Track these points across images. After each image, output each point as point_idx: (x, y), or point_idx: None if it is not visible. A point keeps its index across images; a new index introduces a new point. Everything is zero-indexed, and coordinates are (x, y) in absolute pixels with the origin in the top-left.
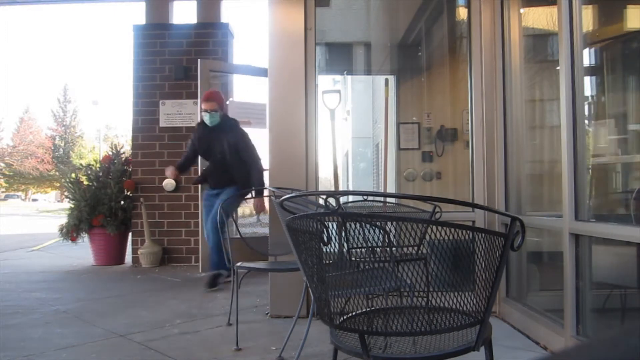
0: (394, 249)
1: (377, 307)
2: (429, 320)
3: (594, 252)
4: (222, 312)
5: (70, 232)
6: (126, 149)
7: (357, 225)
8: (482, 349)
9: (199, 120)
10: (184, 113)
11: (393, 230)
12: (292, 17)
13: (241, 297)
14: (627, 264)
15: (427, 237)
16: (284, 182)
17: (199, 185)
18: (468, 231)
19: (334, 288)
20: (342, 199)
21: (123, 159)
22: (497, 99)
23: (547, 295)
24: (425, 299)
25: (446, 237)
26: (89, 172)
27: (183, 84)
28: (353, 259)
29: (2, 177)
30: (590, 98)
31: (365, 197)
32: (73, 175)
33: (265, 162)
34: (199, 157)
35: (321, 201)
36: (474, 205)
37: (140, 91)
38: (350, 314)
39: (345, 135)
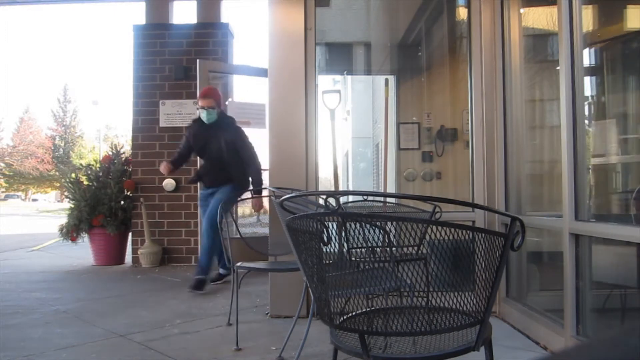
0: (394, 249)
1: (377, 307)
2: (429, 320)
3: (594, 252)
4: (222, 312)
5: (70, 232)
6: (126, 149)
7: (357, 225)
8: (482, 349)
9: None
10: (184, 113)
11: (393, 230)
12: (292, 17)
13: (241, 297)
14: (627, 264)
15: (427, 237)
16: (284, 182)
17: (198, 185)
18: (468, 231)
19: (334, 288)
20: (342, 199)
21: (123, 159)
22: (497, 99)
23: (547, 295)
24: (425, 299)
25: (446, 237)
26: (89, 172)
27: (183, 84)
28: (353, 259)
29: (2, 177)
30: (590, 98)
31: (365, 197)
32: (73, 175)
33: (264, 162)
34: (192, 155)
35: (321, 201)
36: (474, 205)
37: (140, 91)
38: (350, 314)
39: (345, 135)
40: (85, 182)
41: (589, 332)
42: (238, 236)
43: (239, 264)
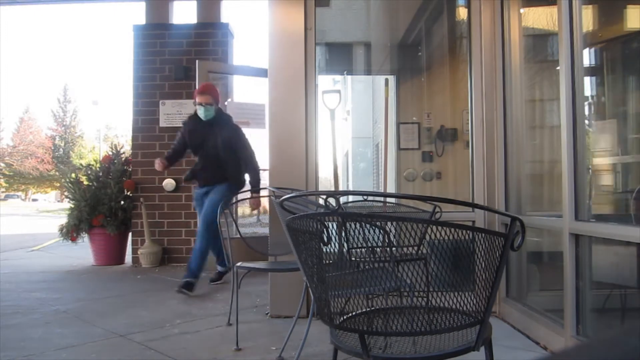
0: (394, 249)
1: (377, 307)
2: (429, 320)
3: (594, 252)
4: (222, 312)
5: (70, 232)
6: (126, 149)
7: (357, 225)
8: (482, 349)
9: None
10: (184, 113)
11: (393, 230)
12: (292, 17)
13: (241, 297)
14: (627, 264)
15: (427, 237)
16: (284, 182)
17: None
18: (468, 231)
19: (334, 288)
20: (342, 199)
21: (123, 159)
22: (497, 99)
23: (547, 295)
24: (425, 299)
25: (446, 237)
26: (89, 172)
27: (183, 84)
28: (353, 259)
29: (2, 177)
30: (590, 98)
31: (365, 197)
32: (73, 175)
33: (264, 162)
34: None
35: (321, 201)
36: (474, 205)
37: (140, 91)
38: (350, 314)
39: (345, 135)
40: (85, 182)
41: (589, 332)
42: (238, 236)
43: (239, 264)
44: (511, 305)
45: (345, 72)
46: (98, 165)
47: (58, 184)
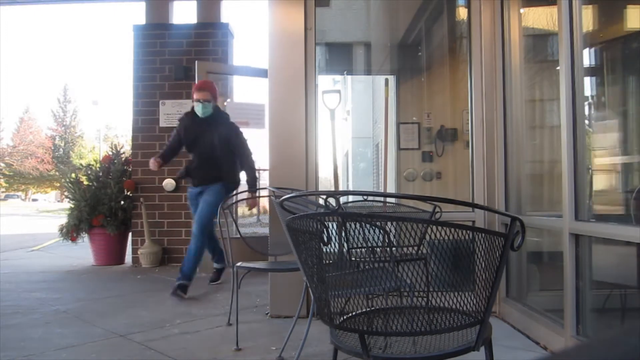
0: (394, 249)
1: (377, 307)
2: (429, 320)
3: (594, 252)
4: (222, 312)
5: (70, 232)
6: (126, 149)
7: (357, 225)
8: (482, 349)
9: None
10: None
11: (393, 230)
12: (292, 17)
13: (241, 297)
14: (627, 264)
15: (427, 237)
16: (284, 182)
17: None
18: (468, 231)
19: (334, 288)
20: (342, 199)
21: (123, 159)
22: (497, 99)
23: (547, 295)
24: (425, 299)
25: (446, 237)
26: (89, 172)
27: (183, 84)
28: (353, 259)
29: (2, 177)
30: (590, 98)
31: (365, 197)
32: (73, 175)
33: (264, 162)
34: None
35: (321, 201)
36: (474, 205)
37: (140, 91)
38: (350, 314)
39: (345, 135)
40: (85, 182)
41: (589, 332)
42: (238, 236)
43: (239, 264)
44: (511, 305)
45: (345, 72)
46: (98, 165)
47: (58, 184)
